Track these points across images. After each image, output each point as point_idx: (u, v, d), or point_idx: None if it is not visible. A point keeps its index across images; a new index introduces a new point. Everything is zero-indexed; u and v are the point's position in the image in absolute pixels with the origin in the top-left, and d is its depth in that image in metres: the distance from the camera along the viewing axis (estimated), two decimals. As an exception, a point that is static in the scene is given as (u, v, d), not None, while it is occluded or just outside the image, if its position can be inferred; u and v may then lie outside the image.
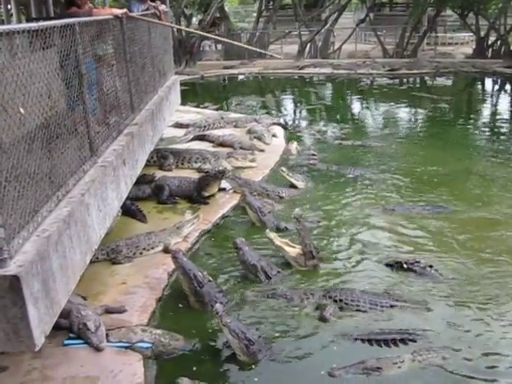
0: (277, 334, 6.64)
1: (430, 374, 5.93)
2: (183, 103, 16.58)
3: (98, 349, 6.11)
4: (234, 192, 11.09)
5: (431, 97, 22.88)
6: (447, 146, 15.04)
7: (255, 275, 7.86)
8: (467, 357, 6.15)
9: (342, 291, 7.25)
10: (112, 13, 8.20)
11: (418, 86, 27.70)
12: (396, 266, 8.02)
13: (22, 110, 4.46)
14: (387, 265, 8.14)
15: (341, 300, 7.07)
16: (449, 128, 17.86)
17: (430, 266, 7.86)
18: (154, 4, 11.24)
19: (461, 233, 9.21)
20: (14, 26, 4.63)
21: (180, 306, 7.37)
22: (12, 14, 19.64)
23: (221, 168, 10.74)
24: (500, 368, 6.02)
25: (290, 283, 7.86)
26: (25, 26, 4.82)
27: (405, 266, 7.92)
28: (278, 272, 7.99)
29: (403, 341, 6.38)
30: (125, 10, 8.61)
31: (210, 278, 7.44)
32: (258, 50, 12.80)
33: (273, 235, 8.47)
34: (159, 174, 11.60)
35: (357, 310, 6.97)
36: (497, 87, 27.67)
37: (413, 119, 20.11)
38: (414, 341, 6.38)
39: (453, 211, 10.10)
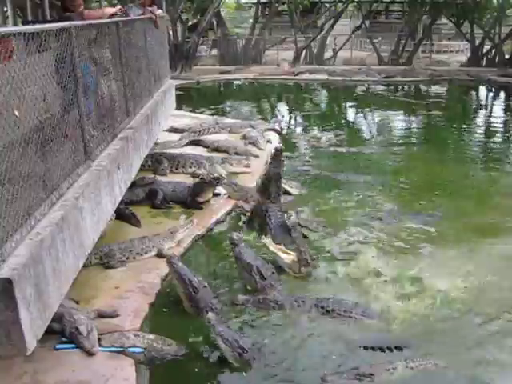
0: (267, 341, 6.62)
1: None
2: (178, 108, 16.59)
3: (90, 353, 6.07)
4: (229, 197, 11.09)
5: (425, 103, 23.04)
6: (441, 153, 15.14)
7: (249, 274, 7.80)
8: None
9: (334, 301, 7.20)
10: (105, 13, 8.18)
11: (412, 93, 27.82)
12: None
13: (16, 113, 4.45)
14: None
15: (333, 310, 7.05)
16: (443, 135, 17.96)
17: None
18: (150, 8, 11.25)
19: (450, 243, 9.15)
20: (9, 29, 4.62)
21: (173, 311, 7.33)
22: (8, 17, 19.63)
23: (216, 175, 10.72)
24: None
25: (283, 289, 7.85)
26: (21, 28, 4.82)
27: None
28: (273, 273, 7.93)
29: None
30: (119, 7, 8.57)
31: (206, 284, 7.41)
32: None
33: (268, 241, 8.45)
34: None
35: (349, 322, 6.90)
36: (491, 95, 27.86)
37: (407, 126, 20.20)
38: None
39: (443, 220, 10.07)
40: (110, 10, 8.30)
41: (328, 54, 36.29)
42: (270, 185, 9.90)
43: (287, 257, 8.29)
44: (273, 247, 8.39)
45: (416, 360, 6.13)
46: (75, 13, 8.17)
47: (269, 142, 15.47)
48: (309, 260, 8.17)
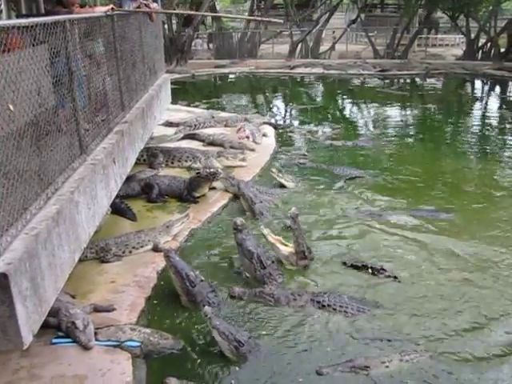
0: (264, 332, 6.66)
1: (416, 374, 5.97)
2: (174, 102, 16.55)
3: (86, 347, 6.08)
4: (226, 191, 11.09)
5: (420, 97, 23.05)
6: (437, 146, 15.16)
7: (250, 261, 7.83)
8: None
9: (330, 296, 7.20)
10: (95, 12, 8.13)
11: (408, 86, 27.82)
12: (362, 268, 8.03)
13: (11, 107, 4.43)
14: (353, 266, 8.12)
15: (329, 305, 7.06)
16: (439, 128, 18.00)
17: (395, 277, 7.81)
18: (145, 2, 11.19)
19: (451, 236, 9.13)
20: (3, 22, 4.60)
21: (169, 304, 7.35)
22: (1, 11, 19.49)
23: (212, 170, 10.71)
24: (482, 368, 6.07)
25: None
26: (15, 22, 4.79)
27: (370, 270, 7.95)
28: (273, 262, 7.96)
29: None
30: (110, 6, 8.53)
31: (203, 278, 7.43)
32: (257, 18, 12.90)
33: (266, 231, 8.45)
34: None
35: (345, 317, 6.94)
36: (486, 89, 27.89)
37: (403, 119, 20.20)
38: None
39: (443, 216, 10.03)
40: (102, 9, 8.23)
41: (324, 47, 36.24)
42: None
43: (285, 248, 8.30)
44: (271, 238, 8.39)
45: (411, 353, 6.16)
46: (66, 9, 8.09)
47: (264, 135, 15.48)
48: (306, 253, 8.18)
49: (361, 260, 8.24)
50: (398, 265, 8.25)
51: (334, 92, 26.99)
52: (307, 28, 35.09)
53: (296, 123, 19.18)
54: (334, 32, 37.43)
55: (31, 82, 4.92)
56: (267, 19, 12.13)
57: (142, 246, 8.62)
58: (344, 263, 8.21)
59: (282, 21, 13.72)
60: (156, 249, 8.54)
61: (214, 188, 11.13)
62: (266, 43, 36.63)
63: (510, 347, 6.35)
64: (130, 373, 5.79)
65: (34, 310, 4.31)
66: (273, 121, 18.10)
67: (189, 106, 20.87)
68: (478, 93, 27.45)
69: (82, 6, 9.02)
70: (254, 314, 7.07)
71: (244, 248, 7.93)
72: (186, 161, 12.64)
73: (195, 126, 16.17)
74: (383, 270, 7.91)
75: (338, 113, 22.20)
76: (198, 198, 10.69)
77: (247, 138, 14.76)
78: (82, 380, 5.63)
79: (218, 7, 39.60)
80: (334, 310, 7.00)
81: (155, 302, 7.42)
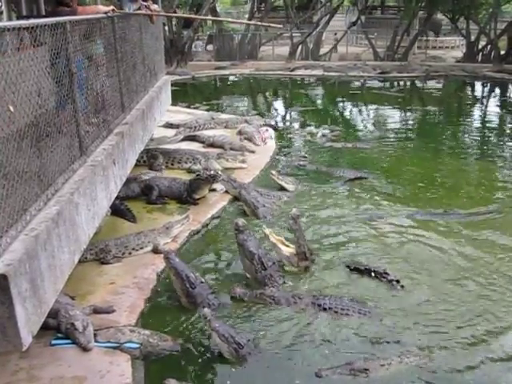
0: (264, 334, 6.65)
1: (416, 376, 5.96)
2: (174, 103, 16.55)
3: (85, 349, 6.08)
4: (226, 192, 11.08)
5: (420, 99, 23.07)
6: (437, 148, 15.16)
7: (251, 262, 7.83)
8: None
9: (331, 299, 7.18)
10: (98, 11, 8.16)
11: (408, 88, 27.85)
12: (365, 272, 7.99)
13: (11, 108, 4.43)
14: (356, 269, 8.08)
15: (330, 308, 7.05)
16: (438, 130, 17.99)
17: (397, 281, 7.74)
18: (145, 4, 11.19)
19: (452, 245, 9.00)
20: (3, 24, 4.60)
21: (169, 306, 7.35)
22: (2, 12, 19.50)
23: (212, 172, 10.71)
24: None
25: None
26: (15, 23, 4.80)
27: (373, 274, 7.91)
28: (274, 263, 7.95)
29: None
30: (112, 7, 8.55)
31: (203, 279, 7.44)
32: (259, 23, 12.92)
33: (268, 231, 8.44)
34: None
35: (345, 319, 6.90)
36: (486, 91, 27.89)
37: (403, 121, 20.21)
38: None
39: (445, 218, 10.00)
40: (104, 8, 8.25)
41: (324, 49, 36.25)
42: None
43: (286, 249, 8.28)
44: (273, 238, 8.38)
45: (411, 355, 6.15)
46: (69, 8, 8.12)
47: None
48: (307, 254, 8.18)
49: (363, 263, 8.20)
50: (401, 268, 8.22)
51: (333, 94, 26.97)
52: (307, 30, 35.12)
53: (296, 125, 19.18)
54: (335, 34, 37.46)
55: (31, 84, 4.92)
56: (267, 24, 12.17)
57: (141, 248, 8.62)
58: (347, 266, 8.18)
59: (281, 26, 13.80)
60: (156, 250, 8.54)
61: (214, 190, 11.13)
62: (267, 45, 36.60)
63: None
64: (130, 374, 5.79)
65: (34, 311, 4.31)
66: (273, 122, 18.10)
67: (189, 107, 20.87)
68: (478, 95, 27.47)
69: (79, 5, 9.03)
70: (254, 315, 7.06)
71: (245, 249, 7.93)
72: (186, 162, 12.63)
73: (195, 127, 16.17)
74: (386, 273, 7.86)
75: (337, 115, 22.21)
76: (198, 199, 10.68)
77: (270, 138, 15.33)
78: (82, 381, 5.63)
79: (218, 9, 39.54)
80: (335, 312, 6.99)
81: (155, 303, 7.42)
